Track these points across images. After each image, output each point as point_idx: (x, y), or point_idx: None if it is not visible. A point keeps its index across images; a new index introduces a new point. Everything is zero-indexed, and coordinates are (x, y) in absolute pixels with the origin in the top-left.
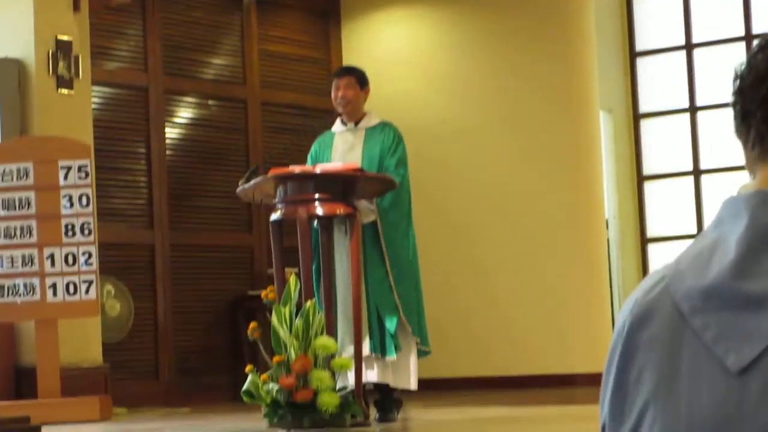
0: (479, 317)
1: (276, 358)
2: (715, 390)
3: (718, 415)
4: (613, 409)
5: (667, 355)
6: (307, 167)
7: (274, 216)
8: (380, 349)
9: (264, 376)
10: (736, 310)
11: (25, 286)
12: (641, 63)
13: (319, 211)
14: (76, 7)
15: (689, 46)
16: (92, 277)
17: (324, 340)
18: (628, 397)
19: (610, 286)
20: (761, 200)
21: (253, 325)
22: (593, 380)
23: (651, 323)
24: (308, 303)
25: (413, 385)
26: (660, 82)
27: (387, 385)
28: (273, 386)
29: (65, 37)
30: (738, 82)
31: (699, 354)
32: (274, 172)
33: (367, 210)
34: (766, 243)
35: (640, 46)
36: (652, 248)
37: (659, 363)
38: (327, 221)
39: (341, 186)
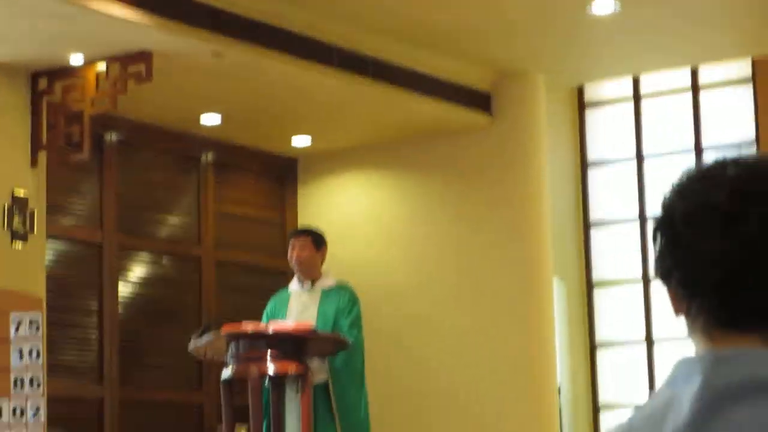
0: None
1: None
2: None
3: None
4: None
5: None
6: (261, 325)
7: (226, 373)
8: None
9: None
10: None
11: None
12: (595, 233)
13: (271, 369)
14: (33, 162)
15: (643, 220)
16: (40, 430)
17: None
18: None
19: None
20: (715, 361)
21: None
22: None
23: None
24: None
25: None
26: (614, 252)
27: None
28: None
29: (21, 193)
30: None
31: None
32: (227, 329)
33: (319, 369)
34: (719, 404)
35: (594, 217)
36: (604, 416)
37: None
38: (278, 380)
39: (293, 345)
